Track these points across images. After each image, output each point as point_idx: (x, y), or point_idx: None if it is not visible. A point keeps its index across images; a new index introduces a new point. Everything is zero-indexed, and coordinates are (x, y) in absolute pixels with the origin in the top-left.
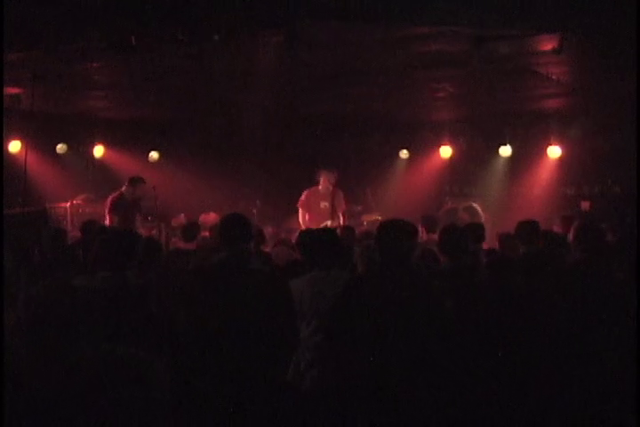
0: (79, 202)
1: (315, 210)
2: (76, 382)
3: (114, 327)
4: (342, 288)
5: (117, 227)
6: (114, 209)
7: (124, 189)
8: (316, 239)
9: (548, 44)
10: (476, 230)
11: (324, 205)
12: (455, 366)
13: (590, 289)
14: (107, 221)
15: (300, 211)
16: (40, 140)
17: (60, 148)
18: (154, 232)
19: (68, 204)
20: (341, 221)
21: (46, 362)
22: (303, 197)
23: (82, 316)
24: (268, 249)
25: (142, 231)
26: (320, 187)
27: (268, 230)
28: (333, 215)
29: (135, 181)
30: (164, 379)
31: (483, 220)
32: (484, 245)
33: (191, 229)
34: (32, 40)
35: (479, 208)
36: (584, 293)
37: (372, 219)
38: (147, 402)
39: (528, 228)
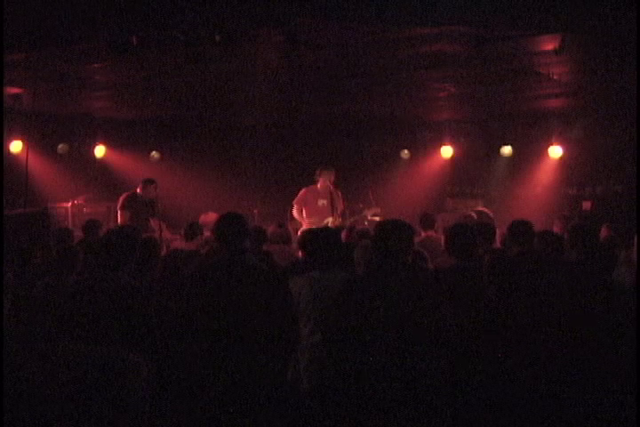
0: (80, 202)
1: (312, 207)
2: (66, 381)
3: (108, 327)
4: (340, 289)
5: (127, 225)
6: (123, 207)
7: (138, 189)
8: (317, 239)
9: (548, 44)
10: (487, 231)
11: (322, 203)
12: (453, 366)
13: (586, 289)
14: (118, 219)
15: (296, 207)
16: (41, 140)
17: (61, 148)
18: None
19: (70, 204)
20: (341, 221)
21: (40, 360)
22: (300, 195)
23: (77, 315)
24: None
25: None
26: (319, 186)
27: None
28: (333, 214)
29: (147, 182)
30: (148, 380)
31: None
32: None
33: (192, 229)
34: (32, 40)
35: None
36: (580, 293)
37: (372, 212)
38: (132, 403)
39: (522, 228)
